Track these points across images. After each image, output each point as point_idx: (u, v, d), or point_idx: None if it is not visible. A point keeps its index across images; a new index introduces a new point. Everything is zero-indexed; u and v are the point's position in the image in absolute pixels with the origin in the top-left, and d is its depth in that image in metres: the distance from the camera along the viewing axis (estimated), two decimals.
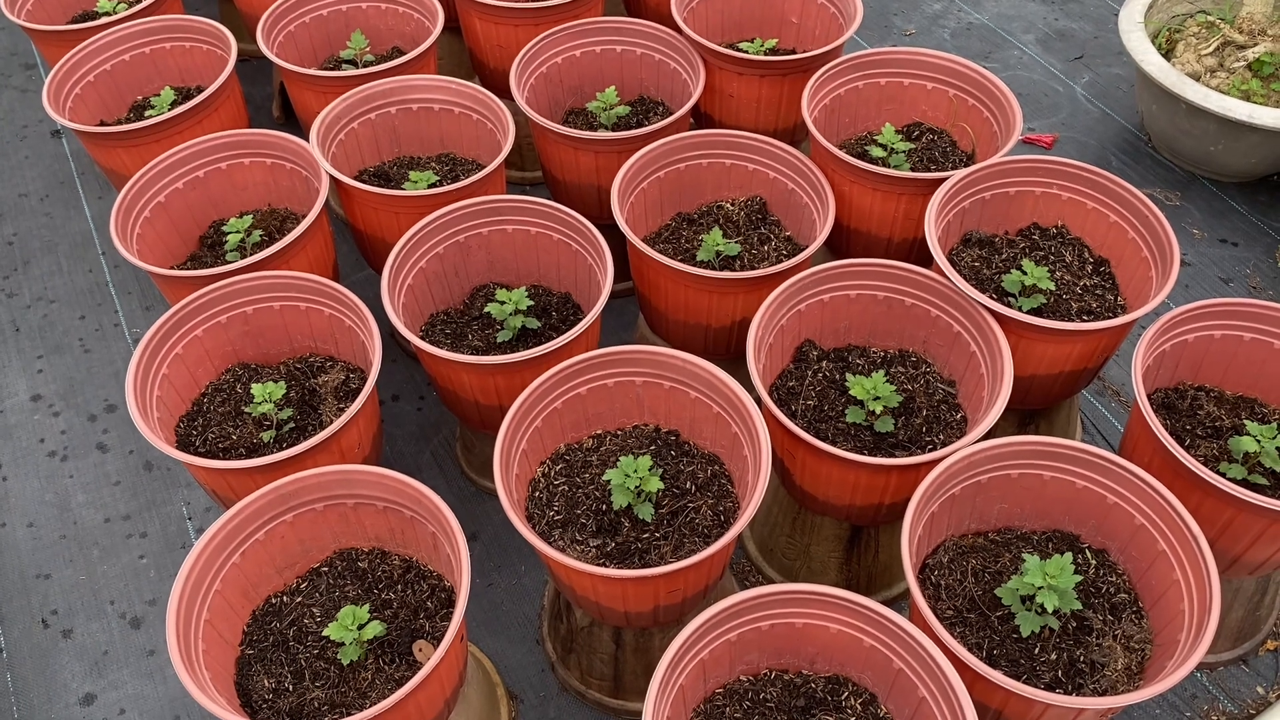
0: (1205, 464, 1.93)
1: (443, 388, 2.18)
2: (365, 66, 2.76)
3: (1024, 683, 1.63)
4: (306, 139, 2.48)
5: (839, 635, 1.67)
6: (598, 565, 1.79)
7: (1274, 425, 1.92)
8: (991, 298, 2.08)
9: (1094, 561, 1.83)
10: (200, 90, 2.84)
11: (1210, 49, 3.05)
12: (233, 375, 2.21)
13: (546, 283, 2.40)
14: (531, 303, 2.24)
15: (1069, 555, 1.70)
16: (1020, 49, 3.65)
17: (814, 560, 2.22)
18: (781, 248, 2.37)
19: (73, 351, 2.83)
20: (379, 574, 1.87)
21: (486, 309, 2.24)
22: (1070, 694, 1.66)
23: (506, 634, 2.26)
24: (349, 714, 1.65)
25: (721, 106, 2.67)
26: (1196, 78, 3.00)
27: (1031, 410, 2.32)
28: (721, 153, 2.45)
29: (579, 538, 1.85)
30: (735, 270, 2.29)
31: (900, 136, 2.50)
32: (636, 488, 1.82)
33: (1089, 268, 2.27)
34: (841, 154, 2.27)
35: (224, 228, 2.44)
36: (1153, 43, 3.07)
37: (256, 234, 2.40)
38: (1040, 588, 1.67)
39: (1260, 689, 2.15)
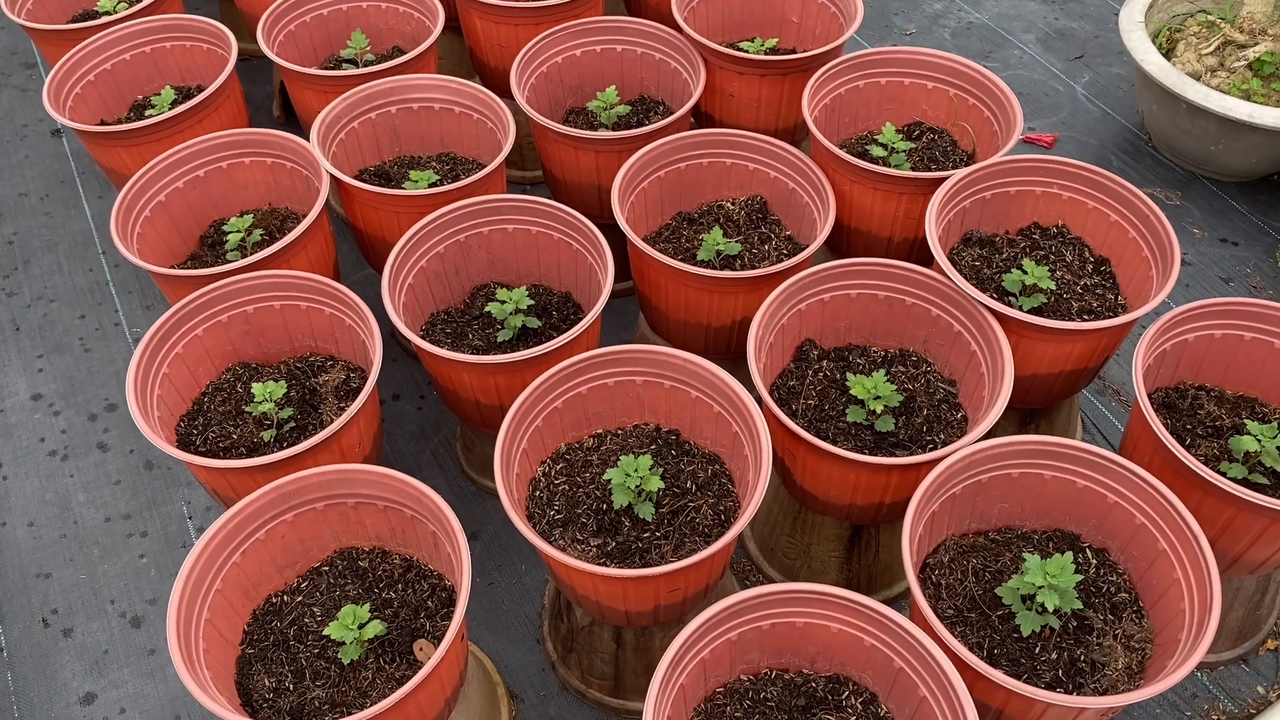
0: (1206, 463, 1.93)
1: (443, 387, 2.18)
2: (365, 66, 2.76)
3: (1024, 682, 1.63)
4: (307, 138, 2.48)
5: (840, 634, 1.67)
6: (598, 564, 1.79)
7: (1274, 425, 1.92)
8: (992, 297, 2.08)
9: (1094, 561, 1.83)
10: (200, 89, 2.84)
11: (1211, 48, 3.05)
12: (233, 374, 2.21)
13: (547, 282, 2.40)
14: (532, 302, 2.24)
15: (1069, 555, 1.70)
16: (1021, 48, 3.65)
17: (814, 559, 2.22)
18: (782, 247, 2.37)
19: (73, 351, 2.83)
20: (379, 573, 1.87)
21: (487, 308, 2.24)
22: (1071, 693, 1.66)
23: (507, 633, 2.26)
24: (349, 713, 1.65)
25: (722, 106, 2.67)
26: (1197, 77, 3.00)
27: (1032, 410, 2.32)
28: (722, 152, 2.45)
29: (579, 537, 1.85)
30: (736, 270, 2.29)
31: (901, 136, 2.50)
32: (637, 487, 1.82)
33: (1089, 267, 2.27)
34: (842, 153, 2.27)
35: (224, 227, 2.44)
36: (1153, 42, 3.07)
37: (257, 233, 2.40)
38: (1041, 587, 1.67)
39: (1261, 688, 2.15)
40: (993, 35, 3.70)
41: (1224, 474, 1.86)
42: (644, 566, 1.80)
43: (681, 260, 2.22)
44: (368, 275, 2.97)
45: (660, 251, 2.25)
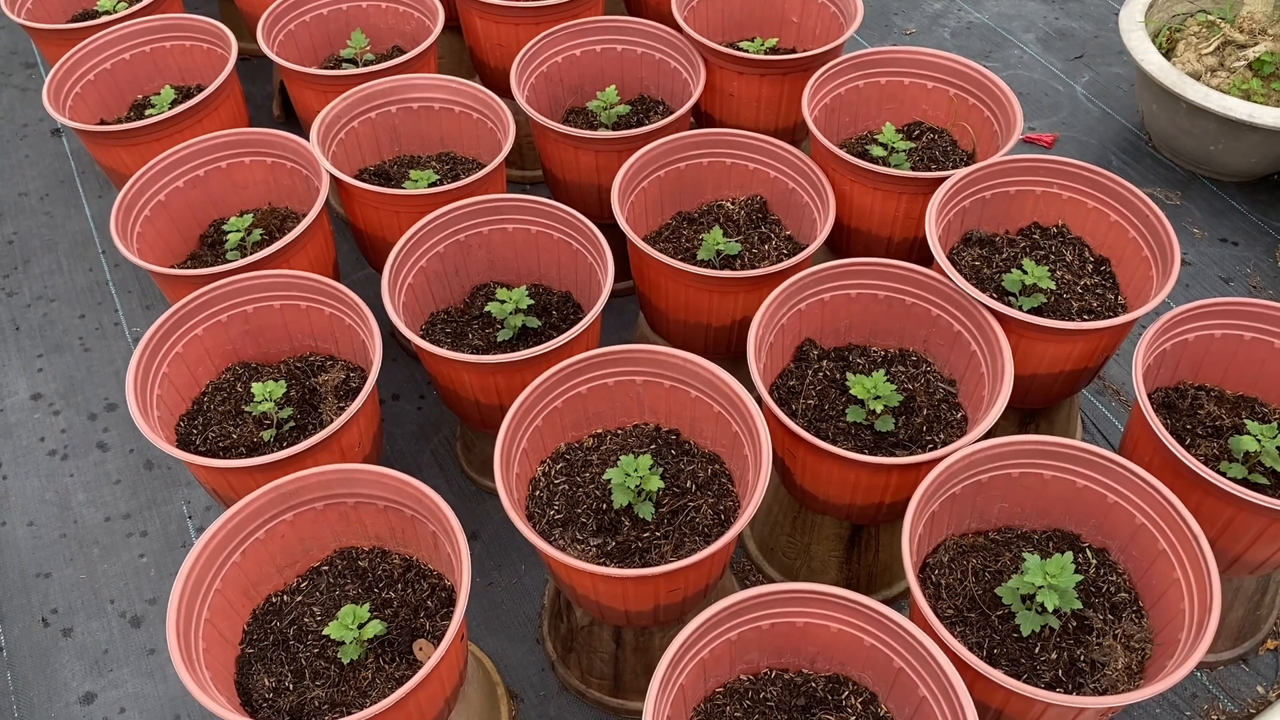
0: (1205, 463, 1.93)
1: (443, 387, 2.18)
2: (365, 65, 2.76)
3: (1024, 682, 1.63)
4: (307, 138, 2.48)
5: (839, 634, 1.67)
6: (598, 564, 1.79)
7: (1274, 424, 1.92)
8: (992, 297, 2.08)
9: (1094, 561, 1.83)
10: (200, 89, 2.84)
11: (1211, 48, 3.05)
12: (233, 374, 2.21)
13: (547, 282, 2.40)
14: (532, 302, 2.24)
15: (1069, 554, 1.70)
16: (1021, 48, 3.65)
17: (814, 559, 2.22)
18: (782, 247, 2.37)
19: (73, 350, 2.83)
20: (379, 573, 1.87)
21: (487, 308, 2.24)
22: (1070, 693, 1.66)
23: (507, 633, 2.26)
24: (349, 713, 1.65)
25: (722, 106, 2.67)
26: (1197, 77, 3.00)
27: (1032, 409, 2.32)
28: (722, 152, 2.45)
29: (579, 537, 1.85)
30: (735, 269, 2.29)
31: (901, 136, 2.50)
32: (637, 487, 1.82)
33: (1089, 267, 2.27)
34: (842, 153, 2.27)
35: (224, 226, 2.44)
36: (1153, 42, 3.07)
37: (257, 233, 2.40)
38: (1040, 587, 1.67)
39: (1260, 688, 2.15)
40: (993, 35, 3.70)
41: (1224, 474, 1.86)
42: (644, 566, 1.80)
43: (681, 260, 2.22)
44: (368, 275, 2.97)
45: (660, 251, 2.25)
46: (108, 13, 2.93)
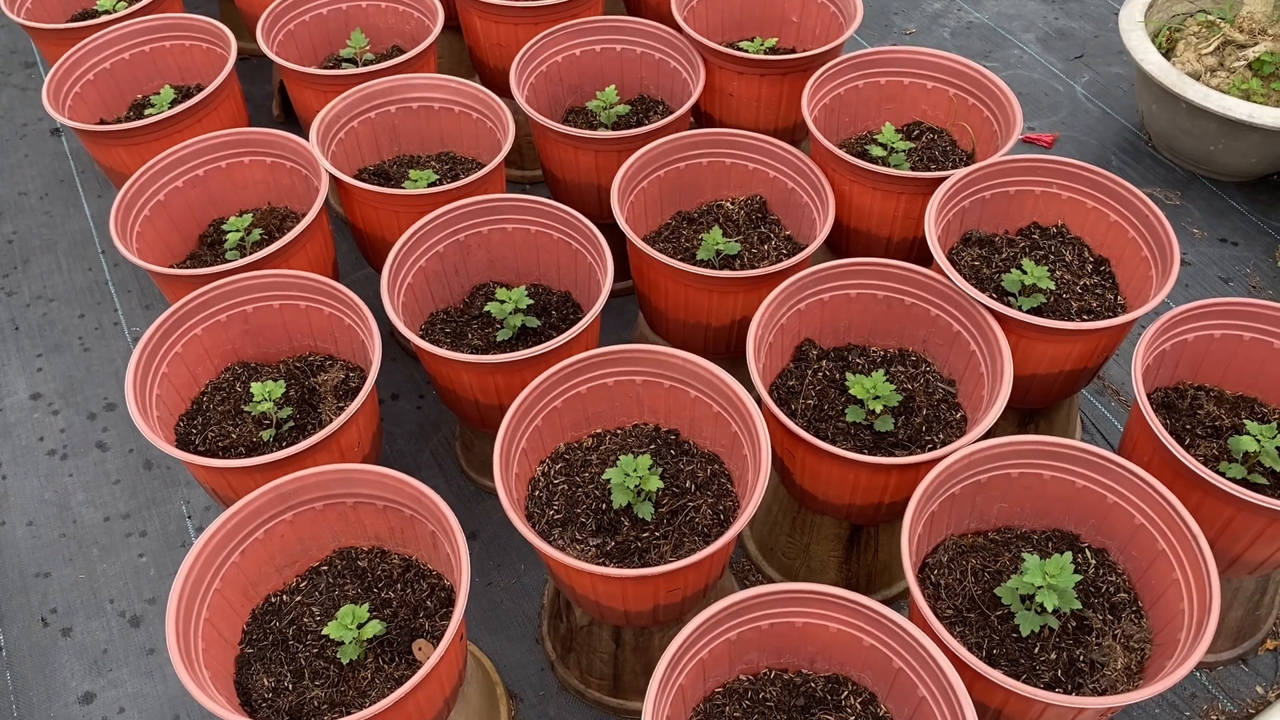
0: (1205, 463, 1.93)
1: (442, 386, 2.18)
2: (365, 65, 2.76)
3: (1023, 682, 1.63)
4: (306, 138, 2.48)
5: (839, 634, 1.67)
6: (597, 564, 1.79)
7: (1274, 425, 1.92)
8: (991, 297, 2.08)
9: (1094, 561, 1.83)
10: (200, 89, 2.84)
11: (1210, 48, 3.05)
12: (232, 374, 2.21)
13: (546, 281, 2.40)
14: (531, 301, 2.24)
15: (1069, 555, 1.70)
16: (1020, 48, 3.65)
17: (814, 559, 2.22)
18: (781, 247, 2.37)
19: (72, 350, 2.83)
20: (378, 573, 1.87)
21: (486, 308, 2.24)
22: (1070, 693, 1.66)
23: (506, 633, 2.26)
24: (348, 713, 1.65)
25: (721, 105, 2.67)
26: (1196, 77, 3.00)
27: (1031, 409, 2.32)
28: (721, 152, 2.45)
29: (579, 537, 1.85)
30: (735, 269, 2.29)
31: (900, 136, 2.50)
32: (636, 487, 1.82)
33: (1089, 267, 2.27)
34: (841, 153, 2.27)
35: (224, 226, 2.44)
36: (1153, 42, 3.07)
37: (256, 233, 2.39)
38: (1040, 587, 1.67)
39: (1260, 688, 2.15)
40: (992, 35, 3.70)
41: (1223, 474, 1.86)
42: (643, 566, 1.80)
43: (681, 260, 2.22)
44: (367, 275, 2.97)
45: (660, 251, 2.25)
46: (107, 12, 2.93)
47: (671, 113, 2.56)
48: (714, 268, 2.29)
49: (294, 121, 3.34)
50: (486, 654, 2.20)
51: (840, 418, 2.04)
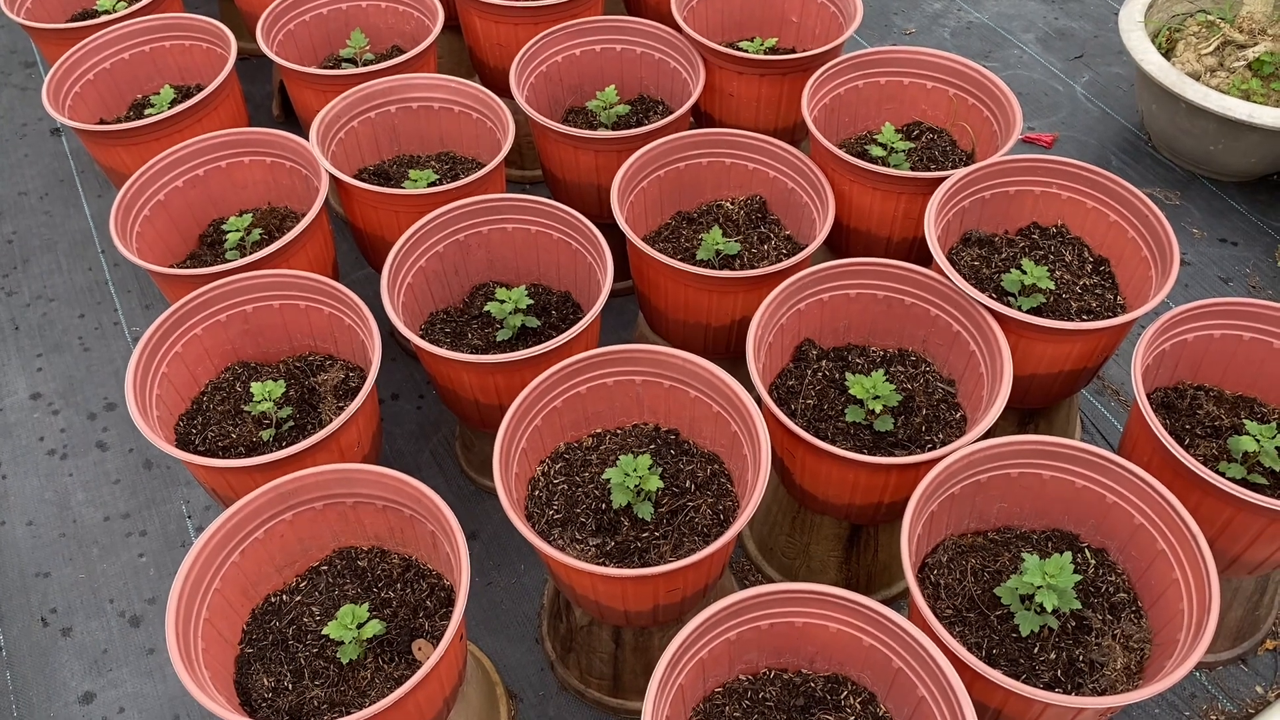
0: (1204, 463, 1.93)
1: (442, 386, 2.18)
2: (365, 65, 2.76)
3: (1023, 682, 1.63)
4: (306, 138, 2.48)
5: (838, 634, 1.67)
6: (597, 564, 1.79)
7: (1273, 425, 1.92)
8: (991, 297, 2.08)
9: (1093, 561, 1.83)
10: (200, 89, 2.84)
11: (1210, 48, 3.05)
12: (232, 374, 2.21)
13: (546, 281, 2.40)
14: (531, 301, 2.24)
15: (1068, 555, 1.70)
16: (1020, 48, 3.65)
17: (813, 559, 2.22)
18: (781, 247, 2.37)
19: (72, 350, 2.83)
20: (378, 573, 1.87)
21: (486, 308, 2.24)
22: (1069, 693, 1.66)
23: (506, 633, 2.26)
24: (348, 713, 1.65)
25: (721, 105, 2.67)
26: (1196, 77, 3.00)
27: (1031, 409, 2.32)
28: (721, 152, 2.45)
29: (578, 536, 1.85)
30: (735, 269, 2.29)
31: (900, 136, 2.50)
32: (636, 486, 1.82)
33: (1089, 267, 2.27)
34: (841, 153, 2.27)
35: (223, 226, 2.44)
36: (1153, 42, 3.07)
37: (256, 232, 2.40)
38: (1039, 587, 1.67)
39: (1259, 688, 2.15)
40: (992, 35, 3.70)
41: (1223, 474, 1.86)
42: (643, 566, 1.80)
43: (681, 260, 2.22)
44: (367, 274, 2.97)
45: (659, 251, 2.25)
46: (107, 12, 2.93)
47: (671, 113, 2.56)
48: (714, 268, 2.29)
49: (294, 121, 3.34)
50: (486, 654, 2.20)
51: (840, 418, 2.04)
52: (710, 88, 2.64)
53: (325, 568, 1.89)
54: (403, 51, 2.93)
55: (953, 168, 2.47)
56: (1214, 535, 1.83)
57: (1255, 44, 3.02)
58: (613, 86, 2.63)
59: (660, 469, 1.92)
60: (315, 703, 1.69)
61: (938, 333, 2.14)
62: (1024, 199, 2.33)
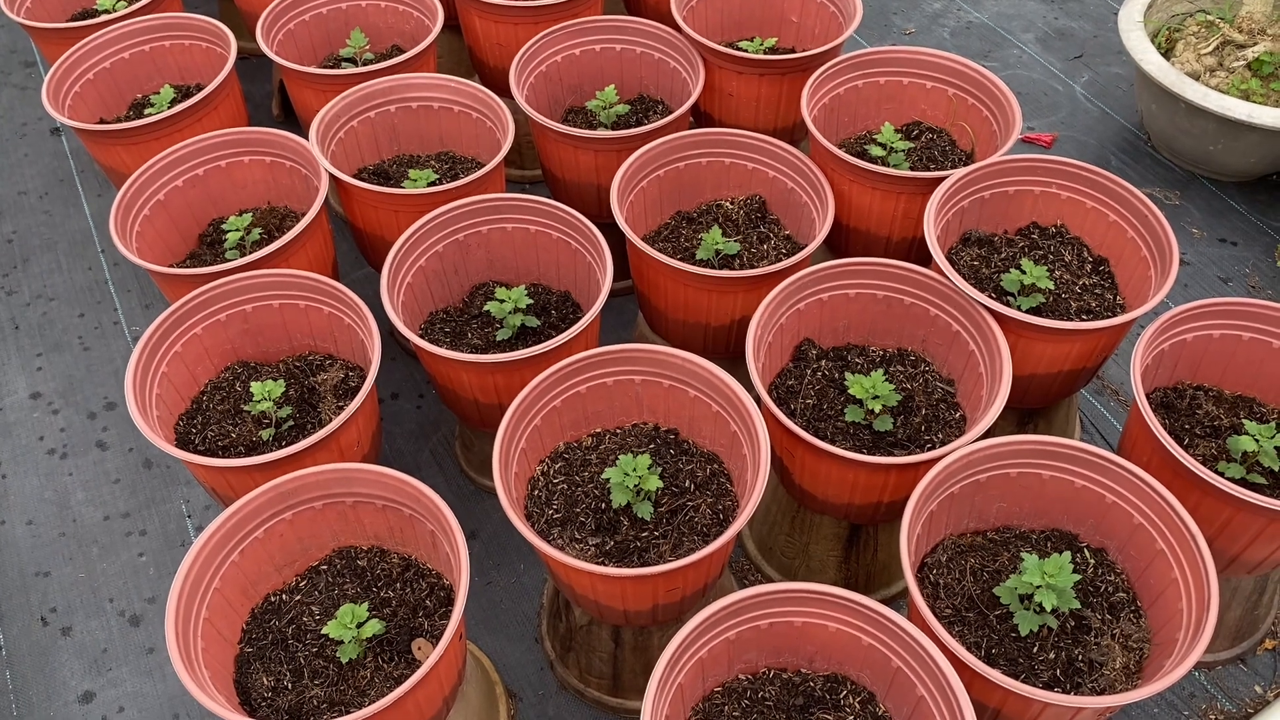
0: (1204, 463, 1.93)
1: (442, 386, 2.18)
2: (365, 65, 2.76)
3: (1022, 682, 1.64)
4: (306, 137, 2.48)
5: (838, 634, 1.67)
6: (597, 564, 1.79)
7: (1272, 424, 1.92)
8: (990, 297, 2.08)
9: (1092, 560, 1.83)
10: (200, 88, 2.84)
11: (1210, 48, 3.05)
12: (232, 373, 2.21)
13: (546, 281, 2.40)
14: (531, 301, 2.24)
15: (1067, 554, 1.70)
16: (1020, 48, 3.65)
17: (813, 559, 2.22)
18: (781, 246, 2.37)
19: (72, 349, 2.83)
20: (378, 572, 1.87)
21: (486, 307, 2.24)
22: (1068, 693, 1.67)
23: (505, 632, 2.26)
24: (348, 712, 1.65)
25: (721, 105, 2.67)
26: (1196, 77, 3.00)
27: (1030, 409, 2.32)
28: (721, 151, 2.45)
29: (578, 536, 1.85)
30: (734, 269, 2.29)
31: (899, 135, 2.50)
32: (635, 486, 1.82)
33: (1088, 267, 2.27)
34: (841, 153, 2.27)
35: (223, 226, 2.45)
36: (1152, 42, 3.07)
37: (256, 232, 2.40)
38: (1039, 587, 1.67)
39: (1258, 688, 2.15)
40: (992, 35, 3.70)
41: (1222, 474, 1.86)
42: (642, 566, 1.80)
43: (680, 260, 2.22)
44: (366, 274, 2.97)
45: (659, 251, 2.25)
46: (107, 11, 2.93)
47: (671, 112, 2.56)
48: (713, 267, 2.29)
49: (294, 121, 3.34)
50: (486, 653, 2.20)
51: (839, 417, 2.04)
52: (710, 87, 2.64)
53: (325, 567, 1.89)
54: (402, 51, 2.93)
55: (952, 167, 2.47)
56: (1213, 535, 1.83)
57: (1255, 44, 3.02)
58: (612, 86, 2.63)
59: (660, 469, 1.92)
60: (315, 702, 1.69)
61: (937, 332, 2.14)
62: (1023, 199, 2.33)
